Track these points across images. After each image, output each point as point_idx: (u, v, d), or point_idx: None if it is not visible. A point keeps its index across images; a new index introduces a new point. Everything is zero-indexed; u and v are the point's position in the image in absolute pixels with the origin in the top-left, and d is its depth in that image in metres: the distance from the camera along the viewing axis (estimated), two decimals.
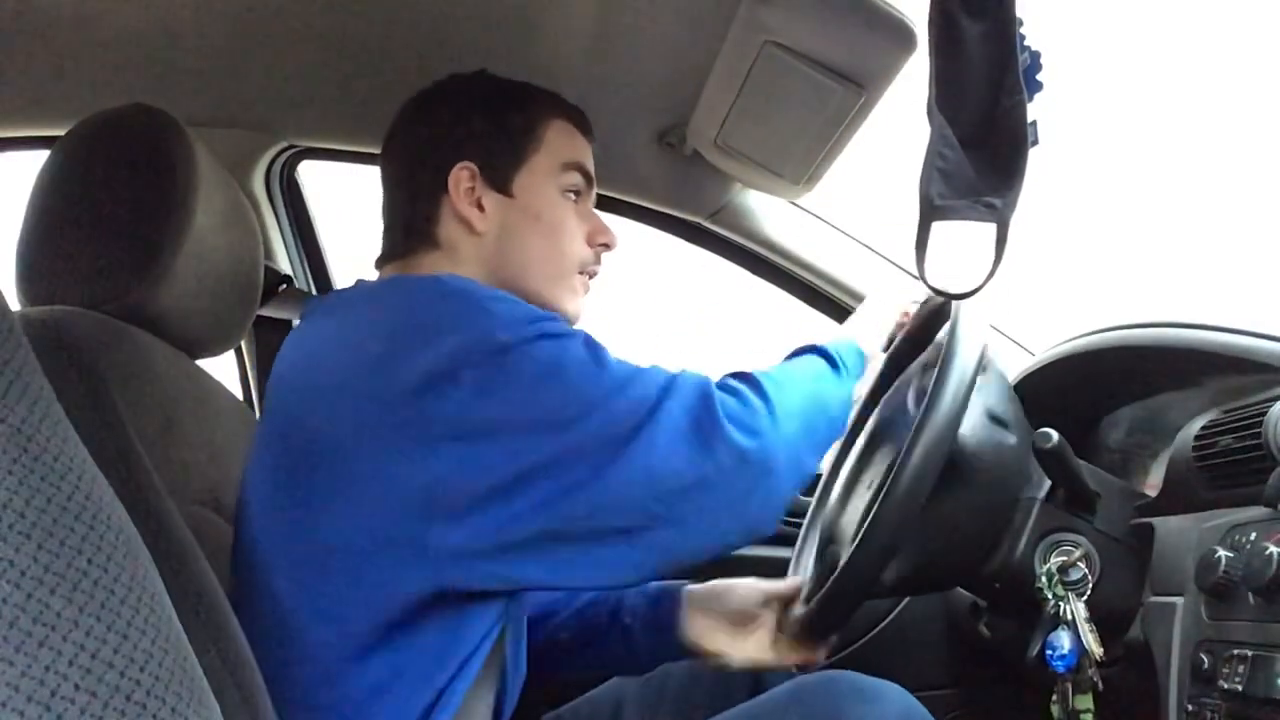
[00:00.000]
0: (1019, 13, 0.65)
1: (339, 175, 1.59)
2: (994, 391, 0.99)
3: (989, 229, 0.68)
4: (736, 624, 1.05)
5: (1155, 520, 0.94)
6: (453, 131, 0.96)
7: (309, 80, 1.28)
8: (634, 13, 1.08)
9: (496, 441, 0.77)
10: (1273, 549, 0.73)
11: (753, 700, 0.94)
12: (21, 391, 0.50)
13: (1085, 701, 0.93)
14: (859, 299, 1.49)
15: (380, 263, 1.00)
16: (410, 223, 0.97)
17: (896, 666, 1.31)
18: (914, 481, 0.85)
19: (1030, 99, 0.66)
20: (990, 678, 1.38)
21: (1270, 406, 0.79)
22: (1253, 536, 0.78)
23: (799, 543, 1.15)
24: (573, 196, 1.00)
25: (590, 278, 1.03)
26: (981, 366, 0.90)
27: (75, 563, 0.48)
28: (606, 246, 1.03)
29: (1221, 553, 0.79)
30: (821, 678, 0.91)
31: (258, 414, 1.48)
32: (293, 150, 1.52)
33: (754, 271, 1.54)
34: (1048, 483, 0.98)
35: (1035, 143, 0.67)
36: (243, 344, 1.61)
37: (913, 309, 1.11)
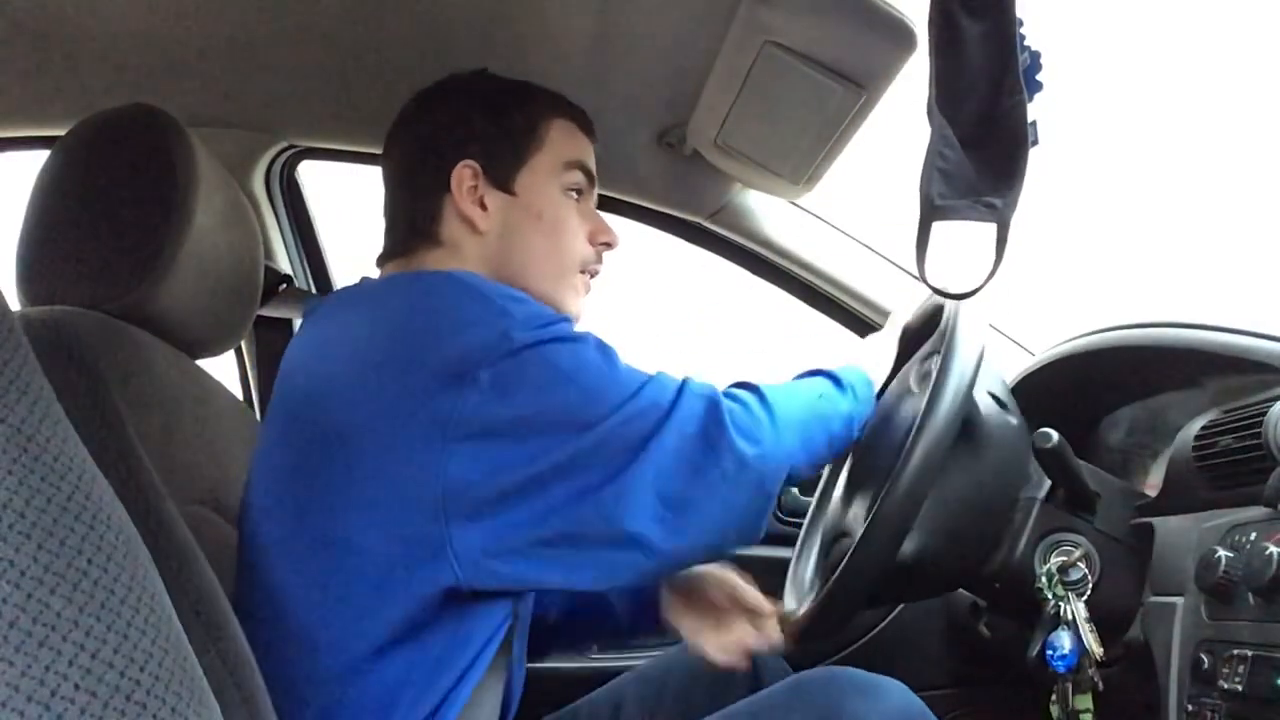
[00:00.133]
0: (1019, 13, 0.65)
1: (339, 175, 1.59)
2: (992, 377, 1.00)
3: (989, 229, 0.68)
4: (708, 614, 1.06)
5: (1155, 520, 0.94)
6: (455, 130, 0.97)
7: (309, 80, 1.28)
8: (634, 13, 1.08)
9: (514, 442, 0.77)
10: (1273, 549, 0.73)
11: (752, 696, 0.94)
12: (21, 391, 0.50)
13: (1085, 701, 0.93)
14: (859, 299, 1.50)
15: (382, 261, 1.00)
16: (413, 221, 0.97)
17: (896, 666, 1.31)
18: (915, 481, 0.85)
19: (1030, 99, 0.66)
20: (990, 678, 1.38)
21: (1270, 406, 0.79)
22: (1253, 536, 0.78)
23: (798, 544, 1.15)
24: (574, 195, 1.00)
25: (592, 277, 1.03)
26: (978, 370, 0.90)
27: (75, 563, 0.48)
28: (608, 245, 1.03)
29: (1221, 553, 0.79)
30: (821, 674, 0.92)
31: (258, 414, 1.48)
32: (293, 150, 1.52)
33: (754, 271, 1.54)
34: (1048, 483, 0.98)
35: (1035, 143, 0.67)
36: (243, 344, 1.61)
37: None
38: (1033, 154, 0.67)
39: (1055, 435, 0.92)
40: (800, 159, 1.23)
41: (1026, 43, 0.66)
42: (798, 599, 1.07)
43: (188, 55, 1.20)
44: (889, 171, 1.08)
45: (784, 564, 1.14)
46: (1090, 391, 1.19)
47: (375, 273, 1.00)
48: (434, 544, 0.76)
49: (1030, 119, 0.66)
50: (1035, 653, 0.94)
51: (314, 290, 1.61)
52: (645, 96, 1.26)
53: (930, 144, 0.67)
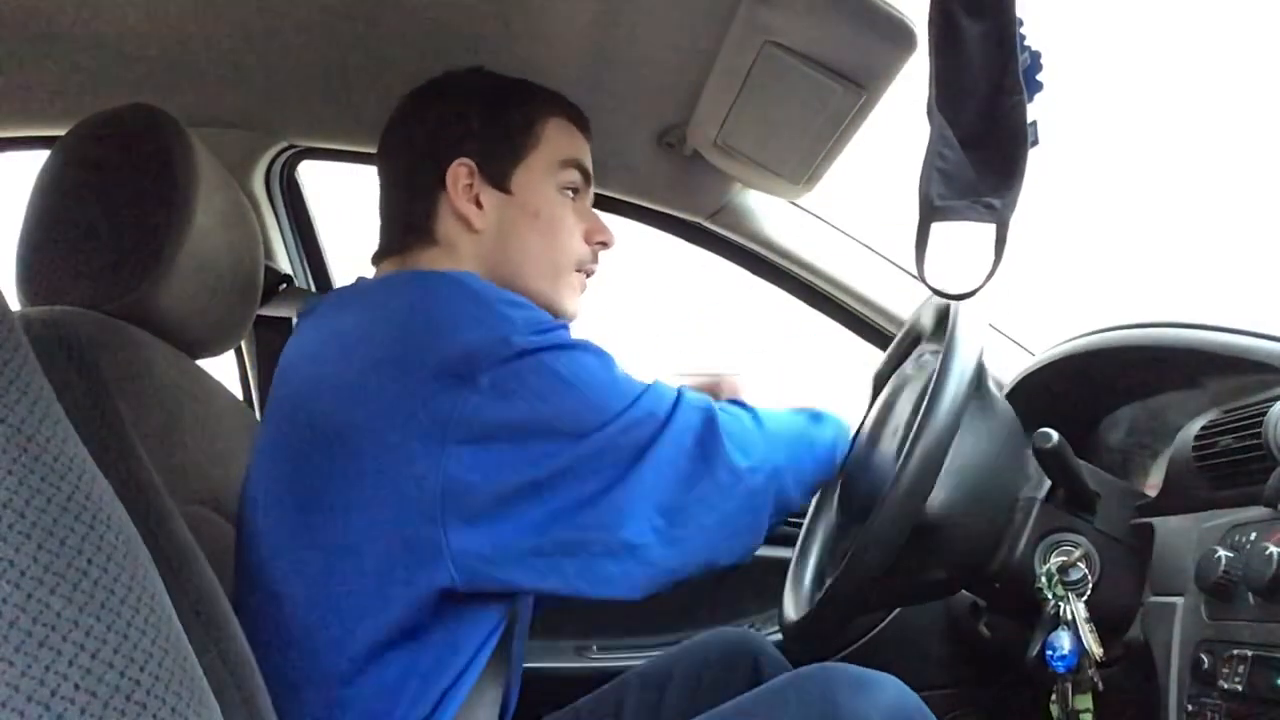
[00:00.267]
0: (1019, 13, 0.65)
1: (339, 175, 1.59)
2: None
3: (989, 229, 0.68)
4: None
5: (1155, 520, 0.94)
6: (451, 128, 0.96)
7: (309, 80, 1.28)
8: (634, 13, 1.08)
9: (513, 447, 0.77)
10: (1273, 549, 0.73)
11: (751, 692, 0.94)
12: (21, 391, 0.50)
13: (1085, 702, 0.93)
14: (859, 299, 1.50)
15: (377, 259, 1.00)
16: (409, 219, 0.97)
17: (896, 666, 1.31)
18: (914, 483, 0.85)
19: (1030, 99, 0.66)
20: (990, 678, 1.38)
21: (1270, 406, 0.79)
22: (1253, 536, 0.78)
23: (799, 545, 1.15)
24: (570, 194, 1.00)
25: (588, 276, 1.03)
26: (978, 371, 0.90)
27: (75, 563, 0.48)
28: (604, 244, 1.03)
29: (1221, 553, 0.79)
30: (818, 669, 0.92)
31: (258, 414, 1.48)
32: (293, 150, 1.52)
33: (754, 271, 1.54)
34: (1048, 483, 0.98)
35: (1035, 143, 0.67)
36: (243, 344, 1.61)
37: None
38: (1033, 154, 0.67)
39: (1055, 435, 0.92)
40: (800, 159, 1.23)
41: (1026, 43, 0.66)
42: (798, 600, 1.07)
43: (188, 55, 1.20)
44: (889, 171, 1.08)
45: (784, 564, 1.14)
46: (1090, 391, 1.19)
47: (373, 272, 1.00)
48: (431, 546, 0.77)
49: (1030, 119, 0.67)
50: (1035, 653, 0.94)
51: (314, 290, 1.61)
52: (645, 96, 1.26)
53: (930, 144, 0.68)
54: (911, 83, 1.04)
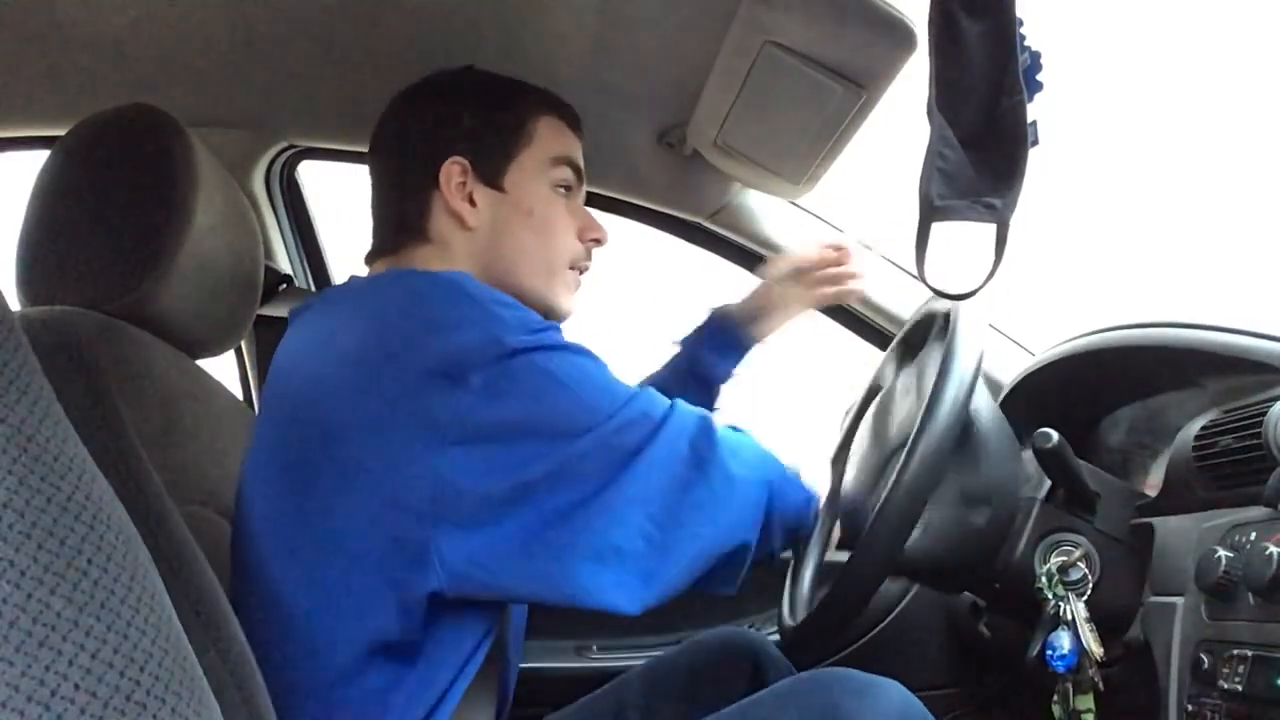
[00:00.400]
0: (1019, 13, 0.65)
1: (339, 175, 1.59)
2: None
3: (989, 229, 0.68)
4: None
5: (1155, 520, 0.94)
6: (443, 127, 0.97)
7: (309, 80, 1.28)
8: (634, 13, 1.08)
9: (504, 447, 0.77)
10: (1273, 549, 0.73)
11: (752, 696, 0.94)
12: (21, 391, 0.49)
13: (1086, 701, 0.93)
14: (859, 299, 1.49)
15: (371, 258, 1.00)
16: (401, 218, 0.97)
17: (896, 666, 1.30)
18: (913, 487, 0.85)
19: (1030, 99, 0.66)
20: (990, 678, 1.38)
21: (1270, 406, 0.79)
22: (1253, 536, 0.78)
23: (798, 547, 1.15)
24: (563, 192, 1.00)
25: (582, 273, 1.03)
26: (979, 374, 0.90)
27: (75, 563, 0.48)
28: (597, 242, 1.03)
29: (1221, 553, 0.79)
30: (819, 674, 0.92)
31: (257, 414, 1.48)
32: (293, 150, 1.52)
33: (754, 271, 1.54)
34: (1048, 483, 0.98)
35: (1035, 143, 0.67)
36: (243, 344, 1.61)
37: None
38: (1033, 154, 0.67)
39: (1055, 435, 0.92)
40: (800, 159, 1.23)
41: (1026, 43, 0.66)
42: (797, 603, 1.07)
43: (188, 55, 1.20)
44: (889, 171, 1.08)
45: (784, 565, 1.14)
46: (1090, 391, 1.19)
47: (366, 272, 0.99)
48: (419, 548, 0.76)
49: (1030, 119, 0.66)
50: (1035, 653, 0.94)
51: (314, 290, 1.61)
52: (645, 96, 1.26)
53: (930, 144, 0.67)
54: (911, 83, 1.04)
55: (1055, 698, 0.96)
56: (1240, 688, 0.74)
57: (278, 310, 1.46)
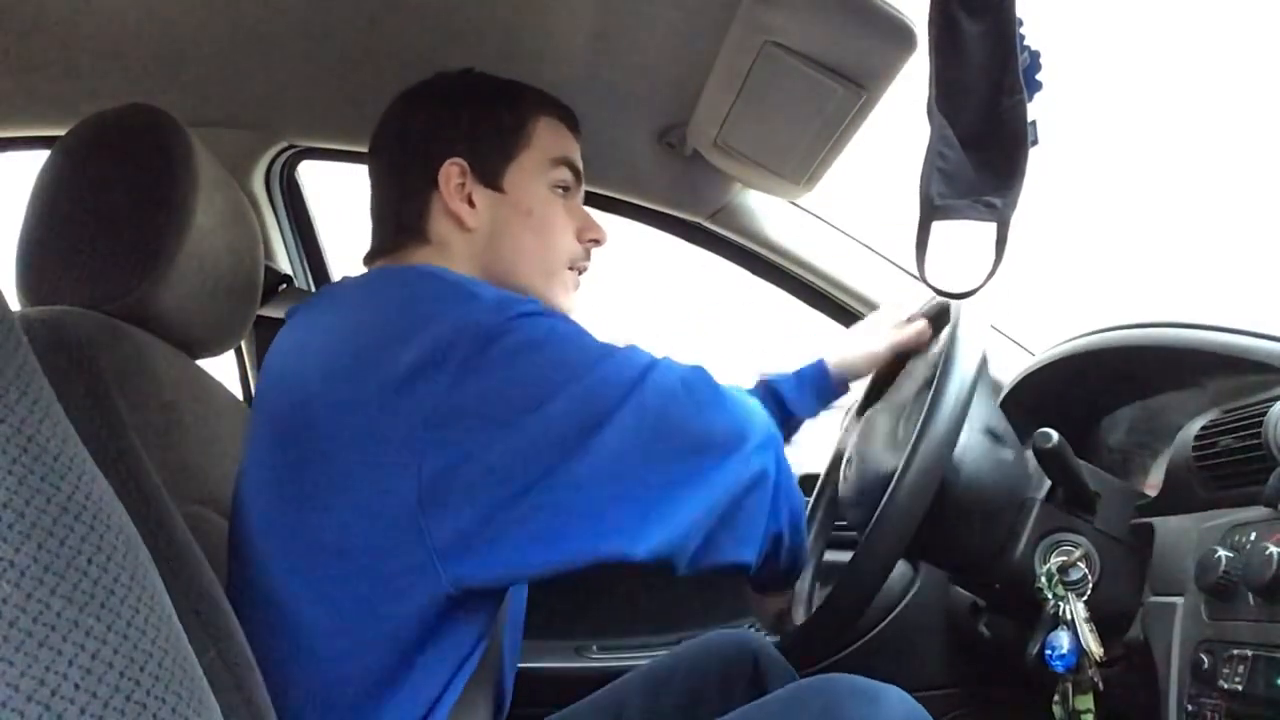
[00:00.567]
0: (1019, 13, 0.65)
1: (339, 175, 1.59)
2: (988, 411, 1.00)
3: (989, 229, 0.68)
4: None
5: (1155, 520, 0.94)
6: (443, 129, 0.97)
7: (309, 80, 1.28)
8: (634, 13, 1.08)
9: (487, 421, 0.76)
10: (1273, 549, 0.73)
11: (754, 702, 0.94)
12: (21, 391, 0.49)
13: (1085, 701, 0.93)
14: (859, 299, 1.50)
15: (369, 259, 1.00)
16: (400, 219, 0.97)
17: (896, 666, 1.31)
18: (912, 493, 0.85)
19: (1030, 99, 0.66)
20: (990, 678, 1.38)
21: (1270, 406, 0.79)
22: (1253, 536, 0.78)
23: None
24: (562, 192, 1.00)
25: (580, 273, 1.03)
26: (981, 374, 0.90)
27: (75, 562, 0.48)
28: (596, 242, 1.03)
29: (1221, 553, 0.79)
30: (822, 680, 0.91)
31: (252, 414, 1.48)
32: (293, 150, 1.52)
33: (754, 271, 1.54)
34: (1048, 483, 0.98)
35: (1035, 143, 0.67)
36: (243, 344, 1.61)
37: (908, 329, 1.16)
38: (1033, 154, 0.67)
39: (1055, 435, 0.92)
40: (800, 159, 1.23)
41: (1026, 43, 0.66)
42: (796, 606, 1.07)
43: (188, 55, 1.20)
44: (889, 171, 1.08)
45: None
46: (1090, 391, 1.19)
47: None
48: (413, 545, 0.76)
49: (1030, 119, 0.67)
50: (1035, 653, 0.94)
51: (314, 290, 1.61)
52: (645, 96, 1.26)
53: (930, 144, 0.68)
54: (911, 83, 1.04)
55: (1055, 697, 0.96)
56: (1240, 688, 0.74)
57: (278, 310, 1.46)
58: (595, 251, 1.05)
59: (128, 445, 0.77)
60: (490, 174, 0.97)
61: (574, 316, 1.01)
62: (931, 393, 0.88)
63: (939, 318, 1.13)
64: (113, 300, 0.89)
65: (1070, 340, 1.18)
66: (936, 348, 1.07)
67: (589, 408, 0.77)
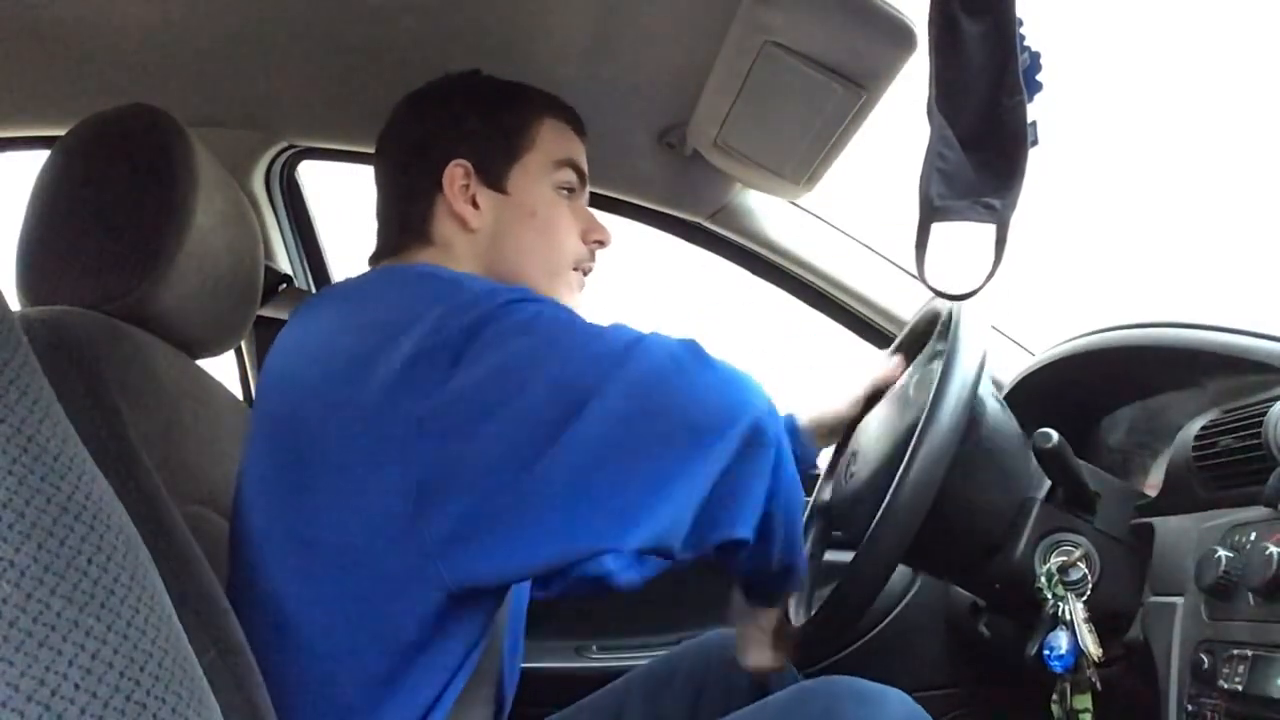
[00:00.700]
0: (1019, 13, 0.65)
1: (339, 175, 1.60)
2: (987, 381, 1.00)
3: (989, 229, 0.68)
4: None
5: (1155, 520, 0.94)
6: (447, 130, 0.97)
7: (309, 80, 1.28)
8: (634, 13, 1.08)
9: (481, 408, 0.75)
10: (1273, 549, 0.73)
11: (755, 704, 0.94)
12: (21, 391, 0.50)
13: (1084, 701, 0.93)
14: (859, 299, 1.50)
15: (374, 260, 1.00)
16: (405, 220, 0.97)
17: (896, 666, 1.31)
18: (915, 492, 0.85)
19: (1030, 99, 0.66)
20: (990, 678, 1.38)
21: (1270, 406, 0.79)
22: (1253, 536, 0.78)
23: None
24: (566, 193, 1.01)
25: (585, 275, 1.03)
26: (982, 374, 0.90)
27: (75, 562, 0.48)
28: (600, 243, 1.03)
29: (1221, 553, 0.79)
30: (822, 681, 0.91)
31: (252, 414, 1.48)
32: (293, 150, 1.52)
33: (754, 271, 1.54)
34: (1048, 483, 0.98)
35: (1035, 143, 0.67)
36: (243, 344, 1.61)
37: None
38: (1033, 154, 0.67)
39: (1055, 435, 0.92)
40: (800, 159, 1.23)
41: (1026, 43, 0.66)
42: (799, 607, 1.07)
43: (188, 55, 1.20)
44: (889, 171, 1.08)
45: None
46: (1090, 391, 1.19)
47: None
48: (411, 539, 0.75)
49: (1030, 119, 0.67)
50: (1034, 653, 0.94)
51: (314, 290, 1.61)
52: (645, 96, 1.26)
53: (930, 144, 0.68)
54: (911, 83, 1.04)
55: (1054, 697, 0.96)
56: (1240, 688, 0.74)
57: (278, 310, 1.46)
58: (597, 252, 1.05)
59: (128, 445, 0.77)
60: (494, 175, 0.97)
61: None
62: (932, 393, 0.88)
63: (910, 348, 1.14)
64: (113, 300, 0.89)
65: (1070, 340, 1.18)
66: (936, 348, 1.07)
67: (573, 391, 0.75)
